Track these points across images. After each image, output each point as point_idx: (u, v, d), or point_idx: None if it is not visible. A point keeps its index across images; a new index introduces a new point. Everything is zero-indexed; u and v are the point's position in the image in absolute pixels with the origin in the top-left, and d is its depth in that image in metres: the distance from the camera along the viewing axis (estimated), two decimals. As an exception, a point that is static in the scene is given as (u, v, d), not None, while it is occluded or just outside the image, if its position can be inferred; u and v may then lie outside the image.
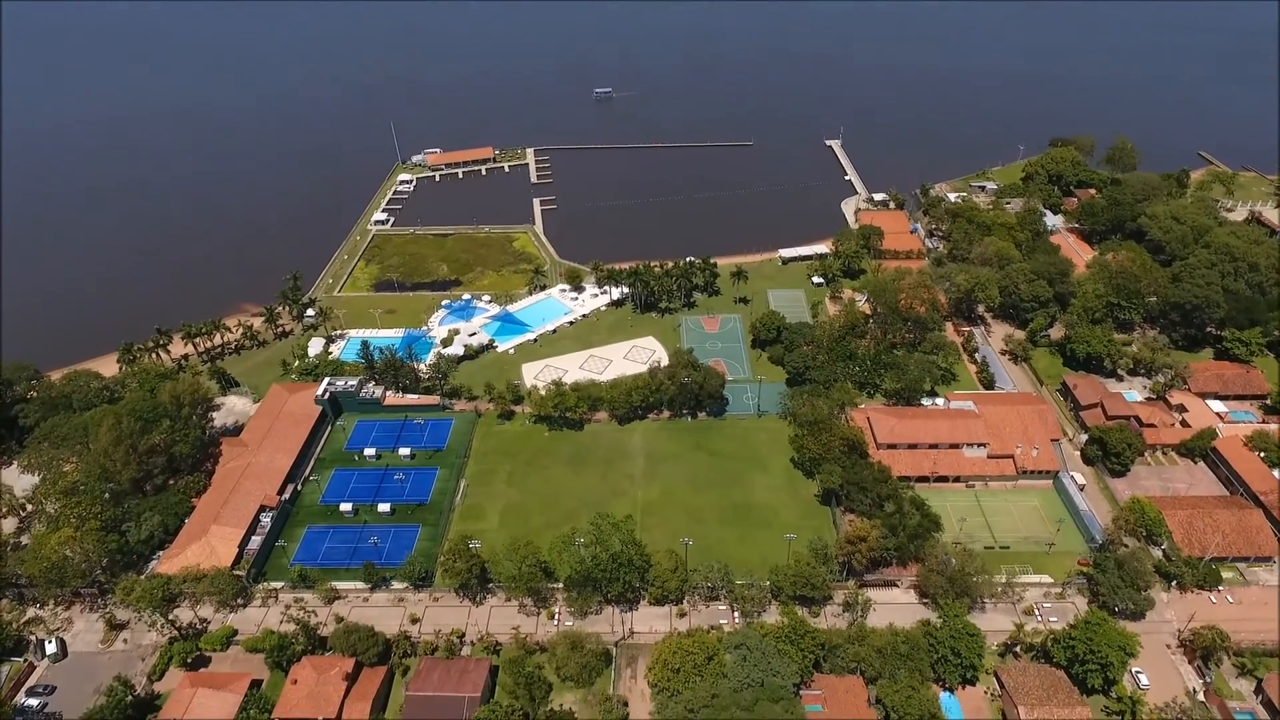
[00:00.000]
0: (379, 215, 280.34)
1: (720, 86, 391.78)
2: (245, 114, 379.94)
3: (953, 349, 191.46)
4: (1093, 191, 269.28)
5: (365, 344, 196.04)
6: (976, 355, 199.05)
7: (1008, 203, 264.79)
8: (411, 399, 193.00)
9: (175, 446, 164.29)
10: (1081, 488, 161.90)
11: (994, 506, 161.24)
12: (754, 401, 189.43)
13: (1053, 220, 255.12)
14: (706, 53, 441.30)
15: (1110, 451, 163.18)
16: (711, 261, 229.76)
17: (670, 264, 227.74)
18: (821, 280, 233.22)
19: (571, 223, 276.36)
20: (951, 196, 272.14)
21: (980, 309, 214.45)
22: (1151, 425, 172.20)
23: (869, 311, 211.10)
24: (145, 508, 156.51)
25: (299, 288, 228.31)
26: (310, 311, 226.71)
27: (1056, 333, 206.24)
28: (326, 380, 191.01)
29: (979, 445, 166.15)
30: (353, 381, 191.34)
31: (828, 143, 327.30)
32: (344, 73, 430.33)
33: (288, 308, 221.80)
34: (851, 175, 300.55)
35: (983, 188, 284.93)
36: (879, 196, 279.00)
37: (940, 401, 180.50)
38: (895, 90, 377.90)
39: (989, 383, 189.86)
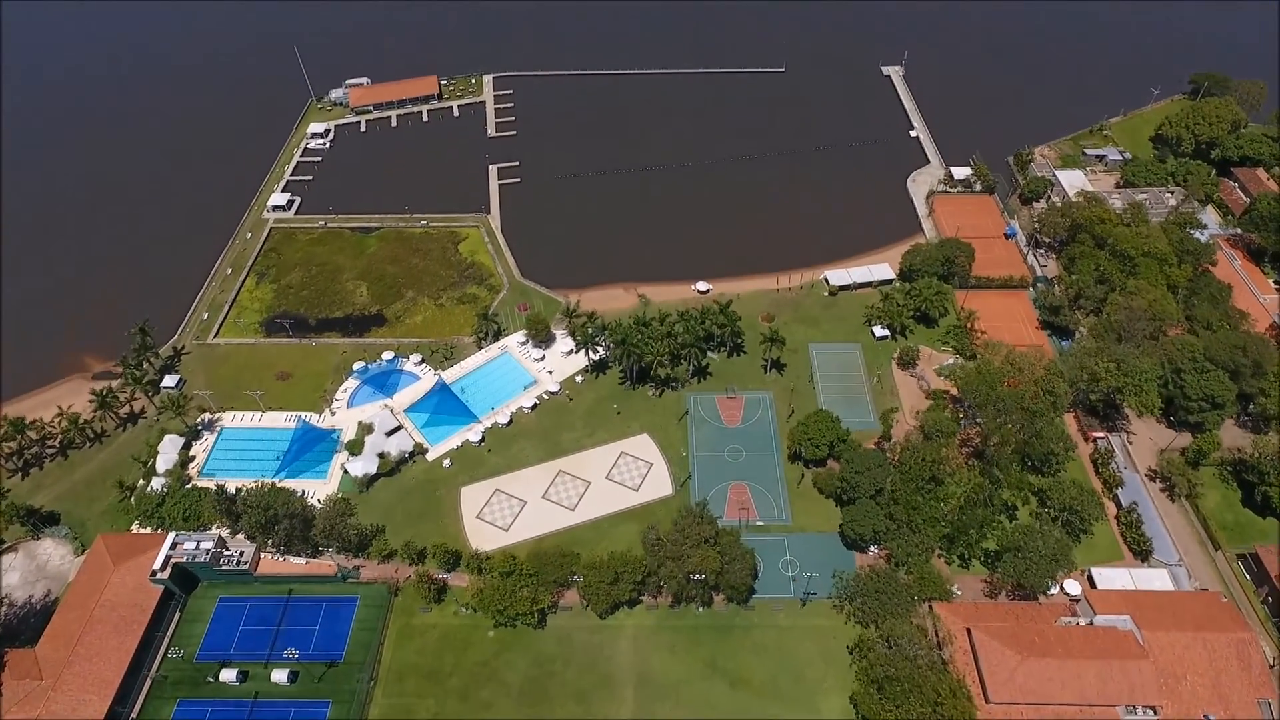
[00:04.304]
0: (278, 197, 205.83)
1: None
2: (93, 61, 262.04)
3: (1093, 501, 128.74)
4: (1261, 174, 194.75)
5: (220, 490, 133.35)
6: (1118, 491, 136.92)
7: (1142, 195, 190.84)
8: (297, 565, 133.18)
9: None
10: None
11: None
12: (794, 575, 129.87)
13: (1207, 223, 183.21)
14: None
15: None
16: (732, 310, 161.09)
17: (671, 319, 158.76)
18: (886, 333, 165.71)
19: (539, 207, 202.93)
20: (1063, 180, 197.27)
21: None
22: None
23: (956, 393, 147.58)
24: None
25: (147, 345, 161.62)
26: (168, 380, 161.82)
27: (1228, 436, 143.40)
28: (171, 539, 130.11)
29: (1147, 709, 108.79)
30: (208, 542, 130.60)
31: (885, 71, 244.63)
32: None
33: (130, 383, 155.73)
34: (920, 130, 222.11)
35: (1101, 157, 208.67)
36: (960, 173, 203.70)
37: (1076, 600, 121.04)
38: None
39: (1142, 549, 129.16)
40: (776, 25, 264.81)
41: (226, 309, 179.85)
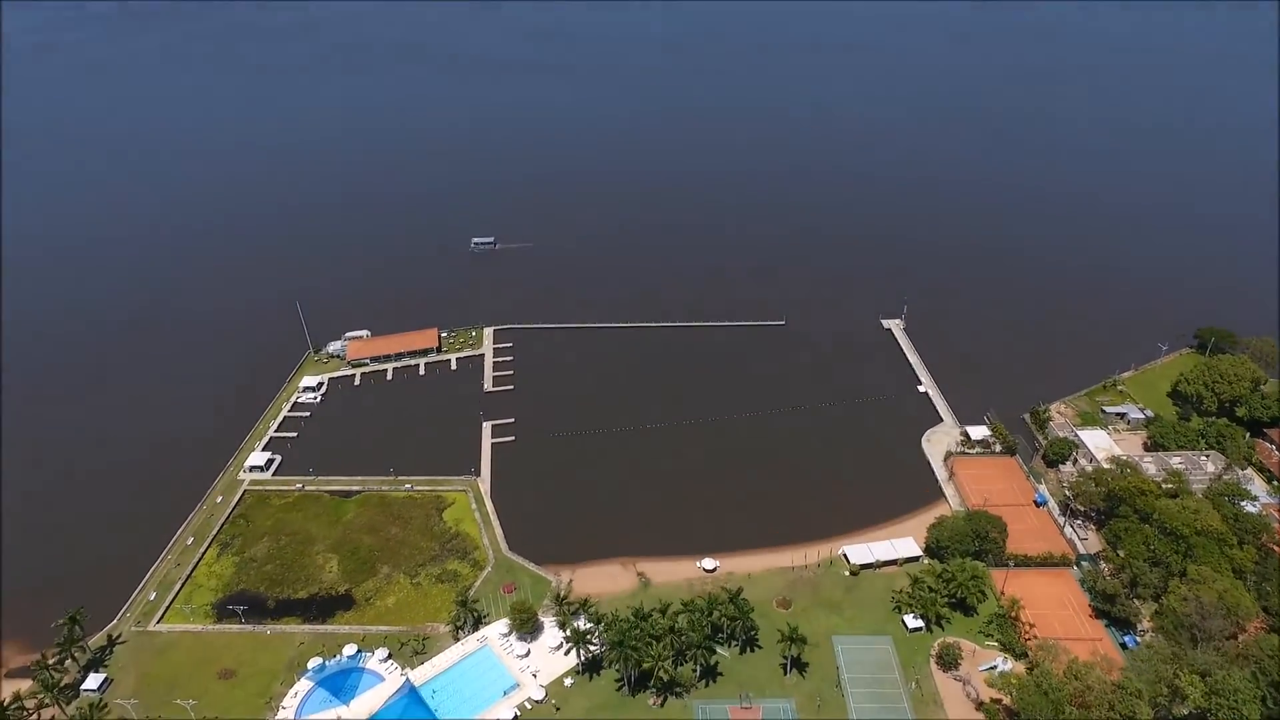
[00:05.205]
0: (257, 456, 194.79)
1: (730, 230, 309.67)
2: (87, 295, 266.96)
3: None
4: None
5: None
6: None
7: (1177, 460, 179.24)
8: None
9: None
10: None
11: None
12: None
13: (1257, 493, 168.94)
14: (698, 174, 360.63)
15: None
16: (743, 599, 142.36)
17: (674, 609, 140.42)
18: (920, 623, 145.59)
19: (533, 469, 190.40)
20: (1088, 441, 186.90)
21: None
22: None
23: (1010, 704, 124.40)
24: None
25: (75, 636, 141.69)
26: (91, 681, 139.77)
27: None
28: None
29: None
30: None
31: (885, 324, 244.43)
32: (226, 228, 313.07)
33: (41, 689, 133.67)
34: (928, 385, 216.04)
35: (1122, 415, 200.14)
36: (977, 433, 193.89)
37: None
38: (973, 250, 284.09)
39: None
40: (773, 279, 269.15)
41: (178, 587, 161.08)
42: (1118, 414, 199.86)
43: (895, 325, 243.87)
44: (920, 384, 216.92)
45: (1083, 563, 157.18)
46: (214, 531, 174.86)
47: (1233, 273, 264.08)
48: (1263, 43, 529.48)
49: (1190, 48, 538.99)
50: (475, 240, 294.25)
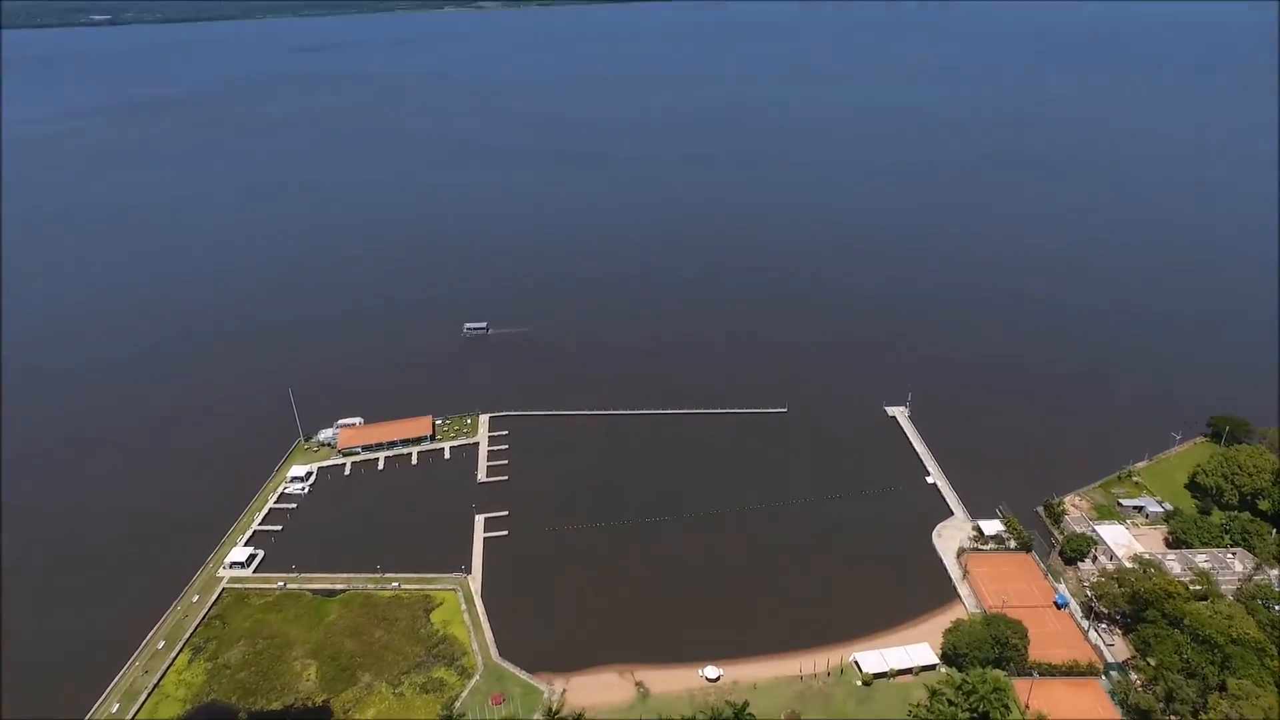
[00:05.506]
0: (239, 552, 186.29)
1: (729, 315, 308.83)
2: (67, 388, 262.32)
3: None
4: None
5: None
6: None
7: (1203, 558, 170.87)
8: None
9: None
10: None
11: None
12: None
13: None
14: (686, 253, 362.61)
15: None
16: (749, 715, 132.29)
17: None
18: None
19: (527, 566, 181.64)
20: (1106, 537, 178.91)
21: None
22: None
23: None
24: None
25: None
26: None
27: None
28: None
29: None
30: None
31: (890, 412, 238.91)
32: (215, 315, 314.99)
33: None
34: (936, 476, 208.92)
35: (1140, 508, 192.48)
36: (990, 528, 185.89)
37: None
38: (979, 336, 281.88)
39: None
40: (774, 365, 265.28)
41: (143, 698, 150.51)
42: (1135, 507, 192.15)
43: (900, 413, 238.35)
44: (928, 474, 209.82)
45: (1111, 672, 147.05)
46: (187, 634, 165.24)
47: (1239, 361, 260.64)
48: (1263, 136, 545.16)
49: (1191, 137, 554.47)
50: (468, 326, 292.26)
